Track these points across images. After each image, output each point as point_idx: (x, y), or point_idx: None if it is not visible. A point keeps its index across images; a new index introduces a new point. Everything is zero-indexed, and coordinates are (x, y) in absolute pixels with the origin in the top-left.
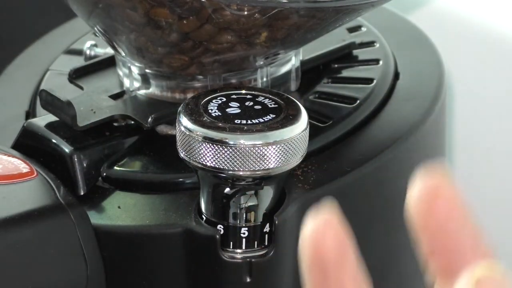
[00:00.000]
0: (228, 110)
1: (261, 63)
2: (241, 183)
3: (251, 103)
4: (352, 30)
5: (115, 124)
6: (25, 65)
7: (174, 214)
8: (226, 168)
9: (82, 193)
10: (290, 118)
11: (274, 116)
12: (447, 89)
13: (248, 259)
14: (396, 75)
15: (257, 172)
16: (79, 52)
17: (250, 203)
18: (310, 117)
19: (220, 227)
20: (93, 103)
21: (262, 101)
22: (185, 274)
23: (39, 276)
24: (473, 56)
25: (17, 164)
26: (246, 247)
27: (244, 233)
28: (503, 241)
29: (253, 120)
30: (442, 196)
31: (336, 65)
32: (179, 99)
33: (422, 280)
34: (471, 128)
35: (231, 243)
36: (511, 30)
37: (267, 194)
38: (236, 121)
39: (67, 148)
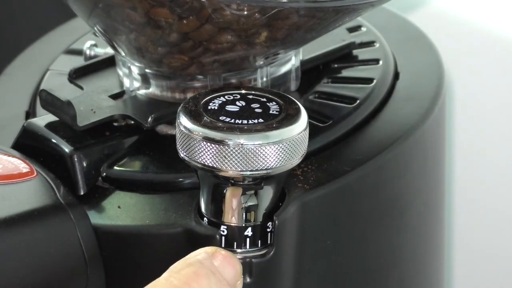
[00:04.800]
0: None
1: (261, 63)
2: (241, 183)
3: (251, 103)
4: (352, 30)
5: (115, 124)
6: (25, 65)
7: (174, 214)
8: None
9: (82, 193)
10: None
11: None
12: (447, 89)
13: (248, 259)
14: (396, 75)
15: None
16: (79, 52)
17: (250, 203)
18: (310, 117)
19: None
20: (93, 103)
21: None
22: None
23: (39, 276)
24: (473, 56)
25: (17, 164)
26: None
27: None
28: (503, 241)
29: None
30: None
31: (336, 65)
32: (179, 99)
33: (422, 279)
34: (471, 128)
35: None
36: (511, 30)
37: (267, 194)
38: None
39: (67, 148)
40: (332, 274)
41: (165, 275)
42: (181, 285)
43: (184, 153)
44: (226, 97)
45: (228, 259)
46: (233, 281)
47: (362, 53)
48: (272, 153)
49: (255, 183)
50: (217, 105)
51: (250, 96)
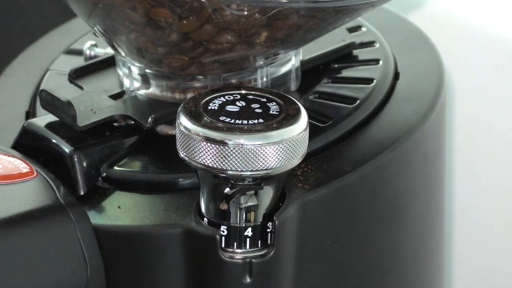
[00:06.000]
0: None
1: (261, 63)
2: (241, 183)
3: (251, 103)
4: (352, 30)
5: (115, 124)
6: (25, 65)
7: (174, 214)
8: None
9: (82, 193)
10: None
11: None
12: (447, 89)
13: (248, 259)
14: (396, 75)
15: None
16: (79, 52)
17: (250, 203)
18: (310, 117)
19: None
20: (93, 103)
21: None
22: (185, 274)
23: (39, 276)
24: (473, 56)
25: (17, 164)
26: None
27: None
28: (503, 241)
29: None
30: None
31: (336, 65)
32: (179, 99)
33: (422, 279)
34: (471, 128)
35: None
36: (510, 30)
37: (267, 194)
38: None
39: (67, 148)
40: (332, 274)
41: None
42: None
43: (184, 153)
44: (226, 97)
45: None
46: None
47: (362, 53)
48: (272, 153)
49: (255, 183)
50: (217, 105)
51: (250, 96)
